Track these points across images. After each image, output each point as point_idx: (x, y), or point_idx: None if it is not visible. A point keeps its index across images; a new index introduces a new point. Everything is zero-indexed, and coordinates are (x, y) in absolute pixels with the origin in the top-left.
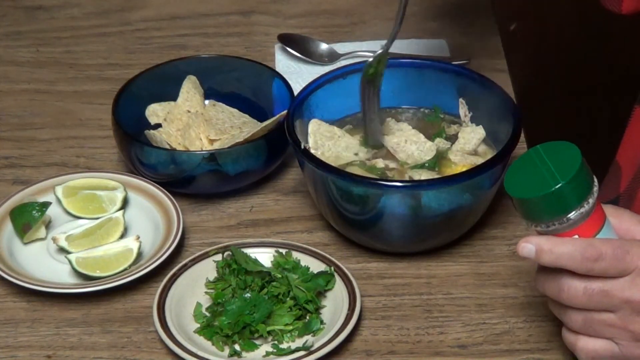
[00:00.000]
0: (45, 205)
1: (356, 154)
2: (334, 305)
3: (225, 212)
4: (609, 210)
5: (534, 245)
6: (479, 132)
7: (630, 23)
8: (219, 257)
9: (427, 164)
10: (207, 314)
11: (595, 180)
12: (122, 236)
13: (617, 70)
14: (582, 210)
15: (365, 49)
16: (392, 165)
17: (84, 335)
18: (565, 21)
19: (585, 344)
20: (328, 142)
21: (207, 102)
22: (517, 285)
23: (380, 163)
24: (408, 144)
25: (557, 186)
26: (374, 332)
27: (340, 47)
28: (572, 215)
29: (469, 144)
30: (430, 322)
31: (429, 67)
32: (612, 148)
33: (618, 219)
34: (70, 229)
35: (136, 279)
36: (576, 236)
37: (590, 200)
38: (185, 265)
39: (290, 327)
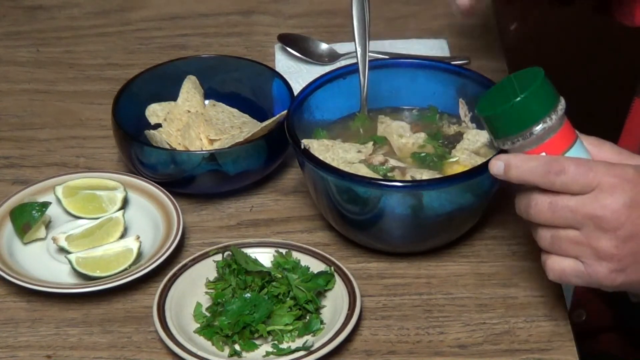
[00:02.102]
0: (45, 205)
1: (359, 152)
2: (334, 305)
3: (225, 212)
4: (590, 139)
5: (502, 162)
6: (483, 136)
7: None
8: (219, 257)
9: (428, 160)
10: (207, 314)
11: (562, 100)
12: (122, 236)
13: (617, 71)
14: (545, 125)
15: None
16: (392, 160)
17: (84, 335)
18: (565, 21)
19: (552, 262)
20: (326, 154)
21: (207, 102)
22: (517, 285)
23: (380, 157)
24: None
25: (516, 100)
26: (374, 332)
27: (340, 47)
28: (534, 130)
29: (474, 145)
30: (430, 322)
31: (429, 67)
32: None
33: (598, 148)
34: (70, 229)
35: (136, 279)
36: (543, 153)
37: (554, 117)
38: (185, 265)
39: (290, 327)
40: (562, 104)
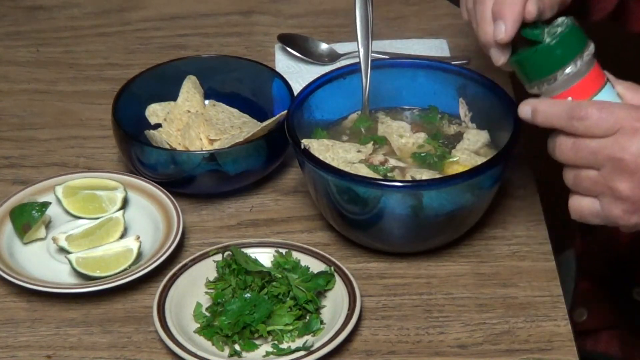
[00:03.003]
0: (45, 205)
1: (359, 152)
2: (334, 305)
3: (225, 212)
4: (625, 84)
5: (530, 107)
6: (483, 136)
7: None
8: (219, 257)
9: (428, 160)
10: (207, 314)
11: (591, 45)
12: (122, 236)
13: (617, 70)
14: (569, 71)
15: None
16: (392, 160)
17: (84, 335)
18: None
19: (573, 201)
20: (326, 154)
21: (207, 102)
22: (517, 285)
23: (380, 157)
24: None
25: (539, 46)
26: (374, 332)
27: (340, 47)
28: (558, 75)
29: (474, 145)
30: (430, 322)
31: (429, 67)
32: None
33: (632, 93)
34: (70, 229)
35: (136, 279)
36: (570, 98)
37: (579, 63)
38: (185, 265)
39: (290, 327)
40: (589, 49)
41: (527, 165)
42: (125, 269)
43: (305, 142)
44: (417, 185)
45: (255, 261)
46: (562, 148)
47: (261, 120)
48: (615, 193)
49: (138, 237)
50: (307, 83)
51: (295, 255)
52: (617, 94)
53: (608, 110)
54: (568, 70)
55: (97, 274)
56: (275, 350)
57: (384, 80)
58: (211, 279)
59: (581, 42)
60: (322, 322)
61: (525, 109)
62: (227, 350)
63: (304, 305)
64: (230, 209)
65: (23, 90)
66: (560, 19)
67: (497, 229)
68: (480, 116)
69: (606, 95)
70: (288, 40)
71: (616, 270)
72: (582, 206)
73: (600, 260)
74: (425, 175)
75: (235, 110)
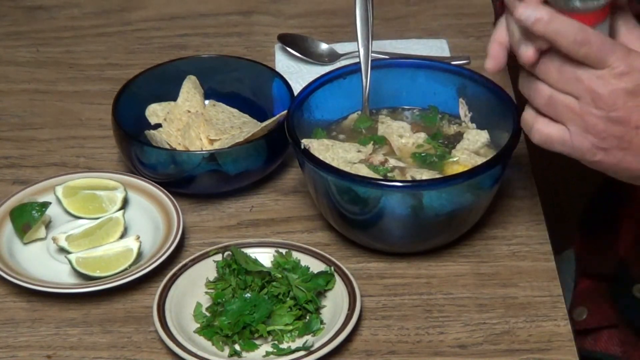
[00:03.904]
0: (45, 205)
1: (359, 152)
2: (334, 305)
3: (225, 212)
4: (625, 17)
5: (534, 12)
6: (483, 136)
7: None
8: (219, 257)
9: (428, 160)
10: (207, 314)
11: None
12: (122, 236)
13: None
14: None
15: None
16: (392, 160)
17: (84, 335)
18: None
19: (541, 125)
20: (326, 153)
21: (207, 102)
22: (517, 285)
23: (380, 157)
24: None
25: None
26: (374, 332)
27: (340, 47)
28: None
29: (474, 145)
30: (430, 322)
31: (429, 67)
32: None
33: (627, 28)
34: (70, 229)
35: (136, 279)
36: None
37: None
38: (185, 265)
39: (290, 327)
40: None
41: (527, 165)
42: (125, 269)
43: (305, 142)
44: (417, 185)
45: (255, 261)
46: (548, 65)
47: (261, 120)
48: (587, 126)
49: (138, 237)
50: (307, 83)
51: (295, 255)
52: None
53: (611, 46)
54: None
55: (97, 274)
56: (275, 350)
57: (384, 80)
58: (211, 279)
59: None
60: (322, 322)
61: (528, 12)
62: (227, 350)
63: (304, 305)
64: (230, 209)
65: (23, 90)
66: None
67: (497, 229)
68: (480, 116)
69: (604, 28)
70: (288, 40)
71: (616, 268)
72: (550, 132)
73: (600, 259)
74: (425, 175)
75: (235, 110)
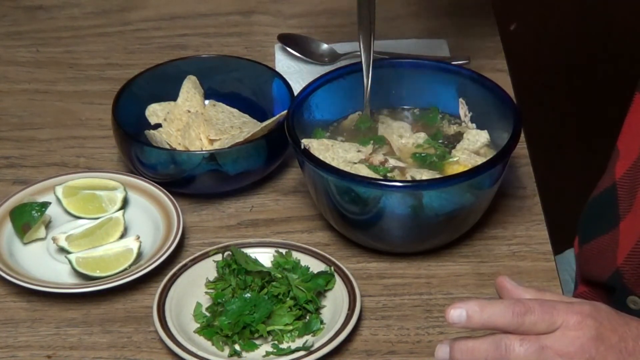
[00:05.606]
0: (45, 205)
1: (359, 152)
2: (334, 305)
3: (225, 212)
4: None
5: (464, 309)
6: (483, 136)
7: (630, 22)
8: (219, 257)
9: (428, 160)
10: (207, 314)
11: None
12: (122, 236)
13: (617, 70)
14: None
15: None
16: (392, 160)
17: (84, 335)
18: (565, 21)
19: None
20: (326, 153)
21: (207, 102)
22: None
23: (380, 157)
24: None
25: None
26: (374, 332)
27: (340, 47)
28: None
29: (474, 145)
30: (430, 322)
31: (429, 67)
32: (612, 148)
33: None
34: (70, 229)
35: (136, 279)
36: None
37: None
38: (185, 265)
39: (290, 327)
40: None
41: (527, 166)
42: (125, 269)
43: (305, 142)
44: (417, 185)
45: (255, 261)
46: (510, 349)
47: (261, 120)
48: None
49: (138, 237)
50: (307, 83)
51: (295, 255)
52: None
53: (549, 304)
54: None
55: (97, 274)
56: (275, 350)
57: (384, 80)
58: (211, 279)
59: None
60: (322, 322)
61: (458, 312)
62: (227, 350)
63: (304, 305)
64: (230, 209)
65: (23, 90)
66: None
67: (497, 229)
68: (480, 116)
69: None
70: (288, 40)
71: (612, 278)
72: None
73: (597, 267)
74: (425, 175)
75: (235, 110)
